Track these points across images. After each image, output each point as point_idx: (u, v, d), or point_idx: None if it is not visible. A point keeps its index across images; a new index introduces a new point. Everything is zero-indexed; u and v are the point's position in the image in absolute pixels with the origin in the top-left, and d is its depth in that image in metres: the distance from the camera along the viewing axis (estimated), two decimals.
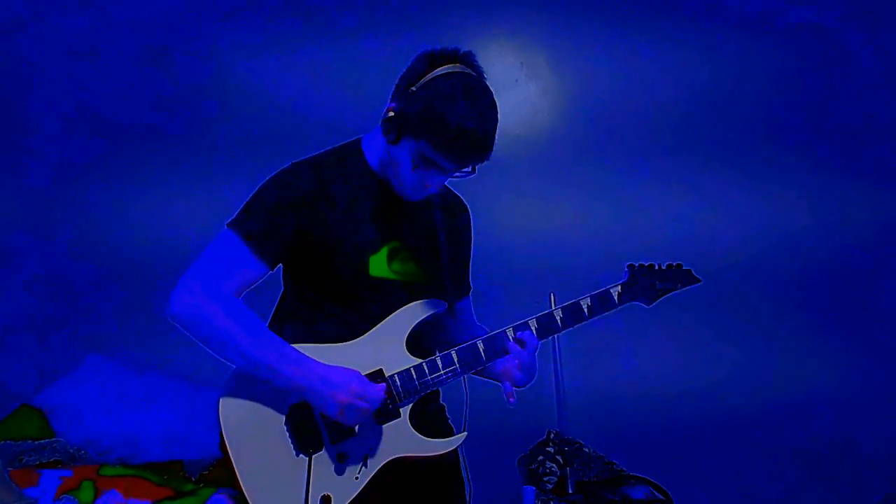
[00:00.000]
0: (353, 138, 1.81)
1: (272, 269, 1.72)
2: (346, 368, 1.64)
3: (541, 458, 2.65)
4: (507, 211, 3.27)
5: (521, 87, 3.39)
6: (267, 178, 1.72)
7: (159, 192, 3.40)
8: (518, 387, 1.77)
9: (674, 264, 1.85)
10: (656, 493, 2.51)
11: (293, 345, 1.66)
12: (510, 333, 1.73)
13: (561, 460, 2.61)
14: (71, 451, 2.58)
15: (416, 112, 1.61)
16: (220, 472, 2.42)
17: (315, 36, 3.44)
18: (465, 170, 1.67)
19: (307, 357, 1.64)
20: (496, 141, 1.65)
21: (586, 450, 2.71)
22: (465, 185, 1.87)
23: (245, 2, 3.47)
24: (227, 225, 1.69)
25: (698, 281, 1.86)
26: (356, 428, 1.66)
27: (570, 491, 2.52)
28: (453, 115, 1.57)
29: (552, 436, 2.71)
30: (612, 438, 2.92)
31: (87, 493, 2.25)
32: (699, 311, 3.21)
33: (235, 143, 3.40)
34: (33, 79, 3.43)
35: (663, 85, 3.41)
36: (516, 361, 1.72)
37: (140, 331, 3.18)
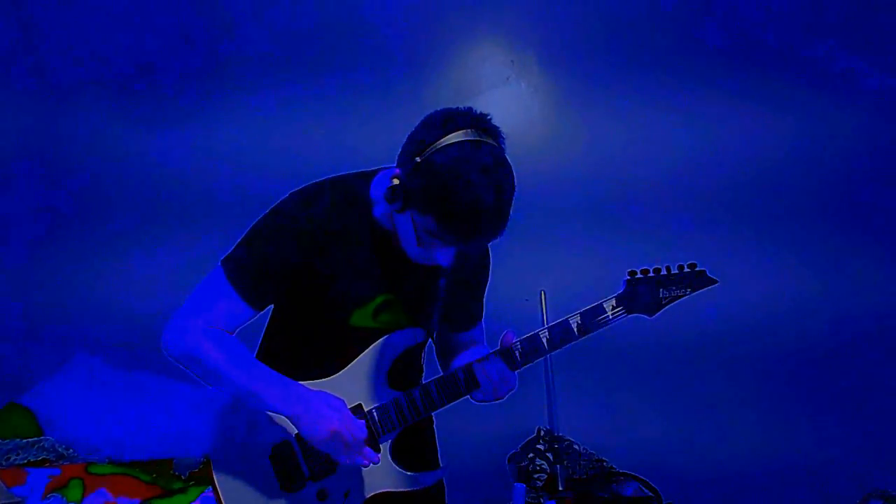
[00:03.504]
0: (363, 171, 1.67)
1: (261, 311, 1.66)
2: (333, 396, 1.59)
3: (531, 455, 2.65)
4: None
5: (512, 85, 3.39)
6: (264, 213, 1.63)
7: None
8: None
9: (685, 266, 1.65)
10: (645, 490, 2.52)
11: None
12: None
13: (551, 457, 2.62)
14: (59, 449, 2.56)
15: (421, 187, 1.44)
16: (210, 471, 2.42)
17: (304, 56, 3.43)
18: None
19: (294, 382, 1.59)
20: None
21: (576, 447, 2.72)
22: None
23: None
24: (221, 262, 1.62)
25: (714, 282, 1.66)
26: (336, 465, 1.66)
27: (561, 488, 2.52)
28: (463, 193, 1.39)
29: (542, 433, 2.71)
30: (602, 436, 2.93)
31: (75, 491, 2.25)
32: (690, 312, 3.22)
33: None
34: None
35: (654, 80, 3.41)
36: (479, 393, 1.66)
37: None
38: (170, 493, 2.34)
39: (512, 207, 1.47)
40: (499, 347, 1.64)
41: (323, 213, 1.59)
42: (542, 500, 2.53)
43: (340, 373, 1.68)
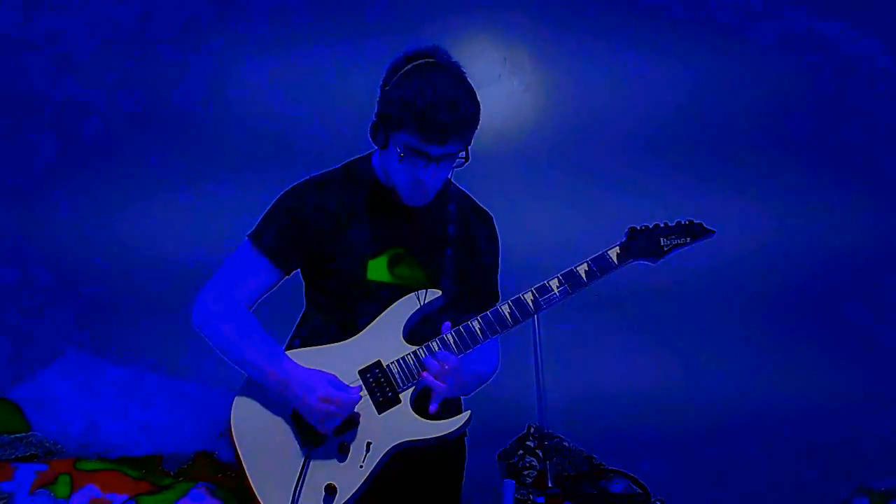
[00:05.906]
0: (368, 152, 1.88)
1: (288, 275, 1.83)
2: (321, 372, 1.71)
3: (521, 452, 2.66)
4: (490, 206, 3.27)
5: (505, 82, 3.40)
6: (283, 191, 1.84)
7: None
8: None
9: (683, 220, 1.78)
10: (634, 487, 2.53)
11: (302, 349, 1.78)
12: (506, 309, 1.75)
13: (541, 454, 2.62)
14: (47, 444, 2.55)
15: (389, 106, 1.68)
16: (199, 467, 2.42)
17: (301, 36, 3.43)
18: (458, 157, 1.71)
19: (289, 360, 1.72)
20: (480, 134, 1.69)
21: (566, 444, 2.73)
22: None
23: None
24: (248, 236, 1.82)
25: (712, 232, 1.77)
26: (358, 418, 1.70)
27: (550, 485, 2.53)
28: (419, 95, 1.63)
29: (532, 430, 2.72)
30: (591, 433, 2.94)
31: (63, 487, 2.24)
32: (688, 308, 3.24)
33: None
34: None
35: (644, 79, 3.43)
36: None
37: None
38: (159, 489, 2.34)
39: (472, 113, 1.68)
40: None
41: (335, 182, 1.84)
42: (531, 497, 2.53)
43: (363, 332, 1.78)
